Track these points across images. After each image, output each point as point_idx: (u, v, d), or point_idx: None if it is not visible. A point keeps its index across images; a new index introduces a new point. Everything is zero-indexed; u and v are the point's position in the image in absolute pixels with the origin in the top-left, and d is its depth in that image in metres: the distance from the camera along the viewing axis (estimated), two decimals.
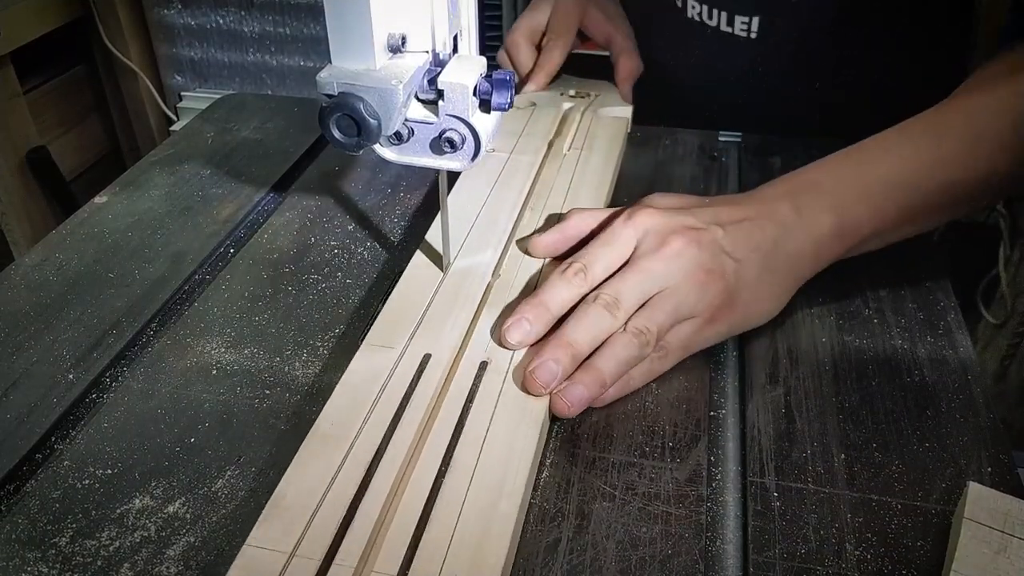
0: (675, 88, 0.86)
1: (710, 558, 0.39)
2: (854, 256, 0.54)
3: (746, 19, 0.75)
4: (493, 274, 0.53)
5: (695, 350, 0.49)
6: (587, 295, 0.48)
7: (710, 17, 0.78)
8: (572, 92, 0.78)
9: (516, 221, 0.58)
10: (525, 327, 0.47)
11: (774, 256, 0.50)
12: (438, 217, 0.55)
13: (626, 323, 0.46)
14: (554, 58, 0.77)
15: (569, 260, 0.49)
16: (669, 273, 0.47)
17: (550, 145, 0.68)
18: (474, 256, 0.54)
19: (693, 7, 0.78)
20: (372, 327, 0.48)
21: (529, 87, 0.77)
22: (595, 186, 0.63)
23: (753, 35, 0.76)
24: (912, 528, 0.40)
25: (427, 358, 0.46)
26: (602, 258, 0.49)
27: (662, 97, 0.87)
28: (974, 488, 0.40)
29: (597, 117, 0.74)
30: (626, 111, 0.75)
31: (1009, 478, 0.42)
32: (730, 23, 0.77)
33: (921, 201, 0.52)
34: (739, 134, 0.75)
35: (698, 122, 0.78)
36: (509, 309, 0.50)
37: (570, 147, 0.69)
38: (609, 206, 0.61)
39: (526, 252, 0.55)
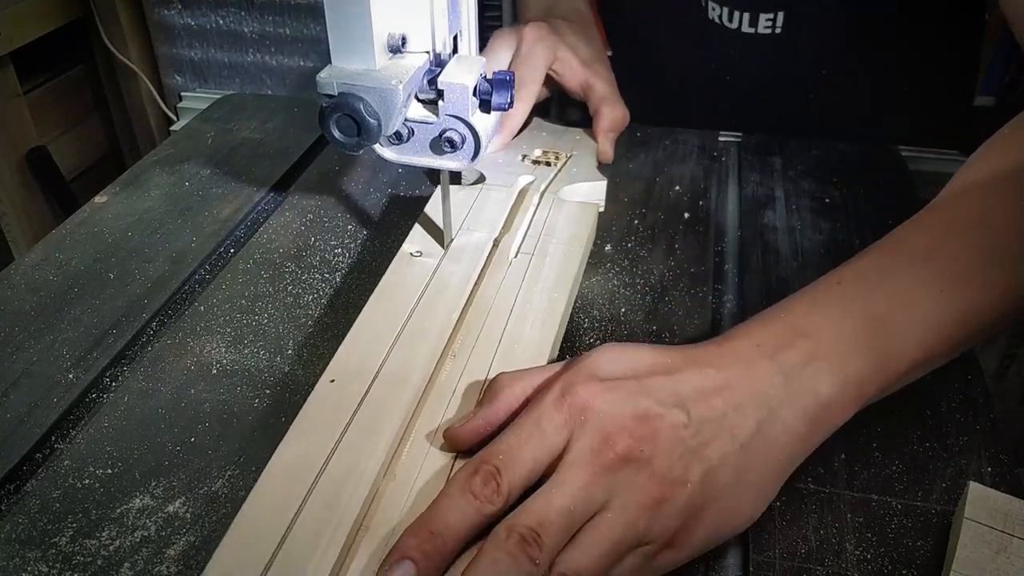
0: (687, 91, 0.86)
1: (710, 558, 0.39)
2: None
3: (771, 15, 0.75)
4: (386, 475, 0.39)
5: None
6: (497, 525, 0.34)
7: (730, 20, 0.77)
8: (538, 153, 0.64)
9: (430, 380, 0.44)
10: (409, 571, 0.33)
11: (756, 447, 0.37)
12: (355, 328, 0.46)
13: (551, 567, 0.33)
14: (515, 115, 0.64)
15: (478, 457, 0.36)
16: (612, 490, 0.34)
17: (496, 243, 0.54)
18: (360, 448, 0.39)
19: (713, 9, 0.78)
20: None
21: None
22: (541, 321, 0.48)
23: (778, 30, 0.75)
24: (912, 528, 0.40)
25: None
26: (522, 459, 0.35)
27: (672, 100, 0.87)
28: (974, 488, 0.40)
29: (559, 202, 0.59)
30: (599, 189, 0.61)
31: (1009, 478, 0.42)
32: (753, 23, 0.76)
33: (934, 338, 0.41)
34: (739, 134, 0.75)
35: (706, 125, 0.77)
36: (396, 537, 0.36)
37: (518, 252, 0.54)
38: (576, 293, 0.53)
39: (440, 446, 0.40)
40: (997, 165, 0.46)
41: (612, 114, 0.66)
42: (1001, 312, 0.42)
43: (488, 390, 0.41)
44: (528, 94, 0.64)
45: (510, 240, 0.55)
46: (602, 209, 0.61)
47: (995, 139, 0.48)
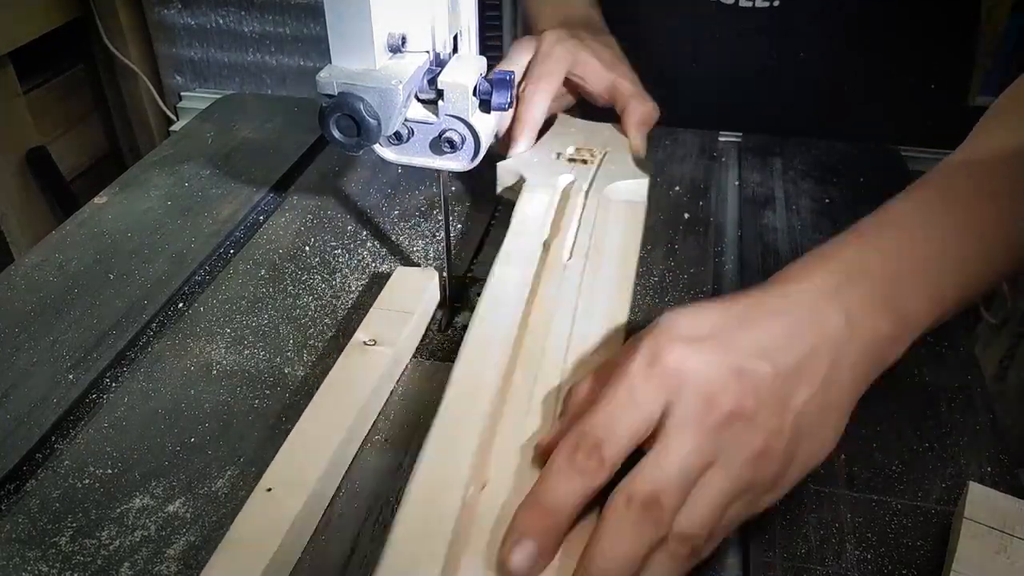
0: (685, 79, 0.86)
1: (710, 558, 0.39)
2: None
3: None
4: (472, 484, 0.37)
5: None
6: (613, 495, 0.35)
7: None
8: (571, 151, 0.62)
9: (501, 399, 0.42)
10: (530, 549, 0.34)
11: (831, 387, 0.38)
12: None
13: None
14: (534, 107, 0.62)
15: (577, 433, 0.36)
16: (719, 448, 0.35)
17: (546, 247, 0.52)
18: (446, 464, 0.37)
19: None
20: None
21: (513, 150, 0.61)
22: (606, 325, 0.47)
23: (776, 2, 0.75)
24: (912, 528, 0.40)
25: None
26: (620, 432, 0.36)
27: (671, 92, 0.87)
28: (974, 488, 0.40)
29: (605, 201, 0.57)
30: (642, 187, 0.59)
31: (1009, 478, 0.42)
32: None
33: (983, 271, 0.43)
34: (739, 134, 0.75)
35: (706, 118, 0.77)
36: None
37: (571, 254, 0.52)
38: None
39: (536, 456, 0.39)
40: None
41: (642, 108, 0.65)
42: None
43: (568, 399, 0.41)
44: (545, 87, 0.63)
45: (561, 242, 0.52)
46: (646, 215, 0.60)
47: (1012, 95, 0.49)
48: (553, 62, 0.64)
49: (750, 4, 0.76)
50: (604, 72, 0.66)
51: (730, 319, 0.39)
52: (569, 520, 0.35)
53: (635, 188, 0.59)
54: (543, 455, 0.39)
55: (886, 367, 0.41)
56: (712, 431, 0.35)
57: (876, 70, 0.79)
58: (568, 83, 0.66)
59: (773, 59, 0.79)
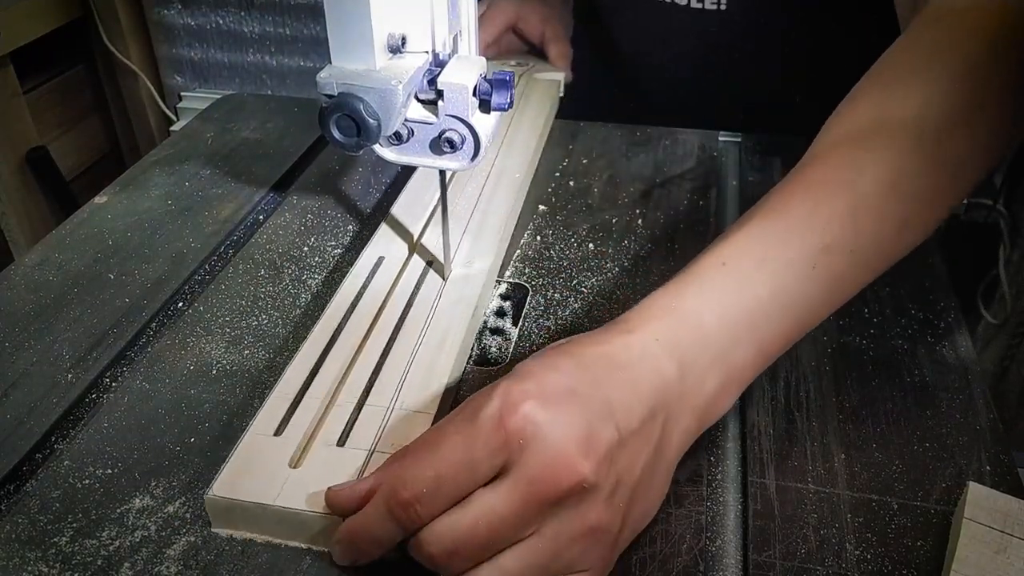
0: (646, 79, 0.87)
1: (710, 558, 0.39)
2: None
3: None
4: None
5: None
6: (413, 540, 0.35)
7: None
8: (513, 63, 0.86)
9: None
10: (346, 559, 0.38)
11: (661, 449, 0.38)
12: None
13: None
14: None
15: (402, 482, 0.35)
16: (547, 519, 0.34)
17: None
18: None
19: None
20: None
21: None
22: (525, 142, 0.71)
23: (723, 6, 0.76)
24: (912, 528, 0.40)
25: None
26: (446, 492, 0.34)
27: (635, 90, 0.88)
28: (974, 488, 0.40)
29: (533, 79, 0.82)
30: (558, 75, 0.83)
31: (1009, 478, 0.42)
32: None
33: (807, 314, 0.43)
34: (739, 134, 0.75)
35: (673, 114, 0.78)
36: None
37: None
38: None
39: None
40: (862, 120, 0.47)
41: (556, 47, 0.83)
42: (863, 279, 0.44)
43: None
44: (483, 34, 0.80)
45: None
46: (562, 93, 0.82)
47: (859, 89, 0.49)
48: (492, 15, 0.83)
49: (699, 5, 0.77)
50: (539, 24, 0.84)
51: (584, 374, 0.37)
52: (377, 553, 0.36)
53: (556, 76, 0.82)
54: (335, 500, 0.38)
55: (710, 424, 0.41)
56: (544, 504, 0.34)
57: (839, 74, 0.79)
58: (516, 32, 0.85)
59: (730, 49, 0.79)
